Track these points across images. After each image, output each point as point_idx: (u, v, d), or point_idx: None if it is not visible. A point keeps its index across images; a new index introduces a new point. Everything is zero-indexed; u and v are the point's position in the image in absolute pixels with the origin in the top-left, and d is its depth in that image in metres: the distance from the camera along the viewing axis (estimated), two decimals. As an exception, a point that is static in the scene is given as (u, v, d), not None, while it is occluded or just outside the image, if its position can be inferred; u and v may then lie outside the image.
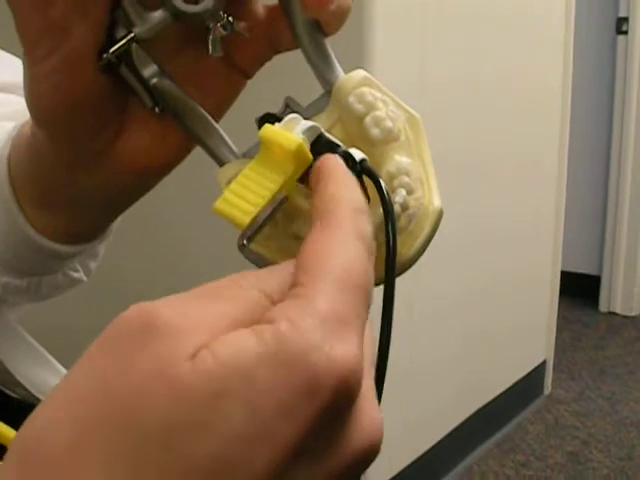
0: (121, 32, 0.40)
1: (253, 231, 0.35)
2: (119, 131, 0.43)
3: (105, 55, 0.40)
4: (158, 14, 0.40)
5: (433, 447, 2.06)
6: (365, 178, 0.37)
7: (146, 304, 0.27)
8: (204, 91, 0.43)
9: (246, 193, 0.36)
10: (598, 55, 3.36)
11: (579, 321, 3.32)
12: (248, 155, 0.40)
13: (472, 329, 2.21)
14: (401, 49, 1.74)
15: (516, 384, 2.47)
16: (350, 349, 0.27)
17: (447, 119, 1.91)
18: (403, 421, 1.98)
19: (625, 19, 3.22)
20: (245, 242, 0.35)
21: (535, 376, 2.61)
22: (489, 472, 2.25)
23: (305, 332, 0.26)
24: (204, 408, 0.25)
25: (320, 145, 0.37)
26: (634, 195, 3.28)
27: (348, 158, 0.36)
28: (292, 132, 0.36)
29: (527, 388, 2.57)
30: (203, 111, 0.42)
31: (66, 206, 0.47)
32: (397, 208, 0.38)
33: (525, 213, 2.39)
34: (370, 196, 0.37)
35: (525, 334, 2.52)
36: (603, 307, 3.42)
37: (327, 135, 0.37)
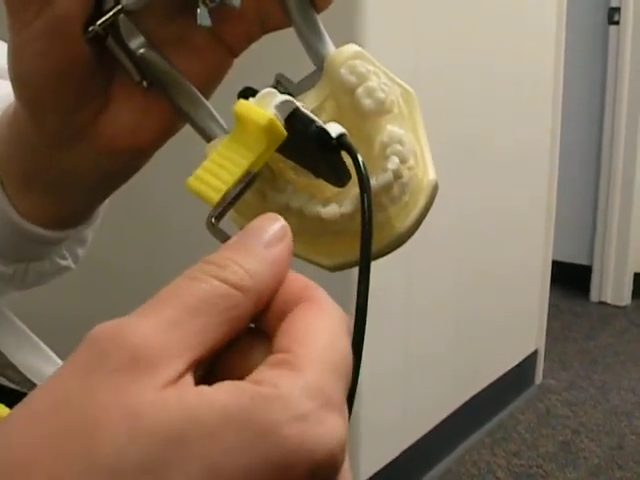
0: (109, 3, 0.39)
1: (222, 208, 0.35)
2: (102, 107, 0.42)
3: (91, 27, 0.39)
4: None
5: (424, 436, 2.06)
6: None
7: (115, 325, 0.26)
8: (190, 66, 0.42)
9: (218, 170, 0.35)
10: (590, 45, 3.36)
11: (570, 311, 3.33)
12: None
13: (464, 319, 2.21)
14: (393, 35, 1.73)
15: (507, 374, 2.47)
16: (337, 429, 0.26)
17: (439, 107, 1.91)
18: (394, 411, 1.98)
19: (617, 9, 3.22)
20: (213, 220, 0.35)
21: (526, 366, 2.61)
22: (481, 461, 2.25)
23: (291, 402, 0.25)
24: (160, 452, 0.24)
25: (295, 120, 0.36)
26: (625, 185, 3.29)
27: (324, 134, 0.35)
28: (266, 107, 0.35)
29: (518, 378, 2.57)
30: (191, 85, 0.41)
31: (50, 189, 0.46)
32: (389, 175, 0.37)
33: (517, 203, 2.39)
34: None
35: (516, 324, 2.53)
36: (594, 297, 3.43)
37: (303, 109, 0.36)
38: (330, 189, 0.40)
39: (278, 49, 0.95)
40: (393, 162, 0.37)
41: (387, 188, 0.37)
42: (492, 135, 2.19)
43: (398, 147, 0.38)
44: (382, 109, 0.39)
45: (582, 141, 3.42)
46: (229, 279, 0.28)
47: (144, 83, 0.41)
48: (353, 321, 0.32)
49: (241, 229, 0.33)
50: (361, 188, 0.34)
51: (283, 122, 0.35)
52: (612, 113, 3.26)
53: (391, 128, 0.39)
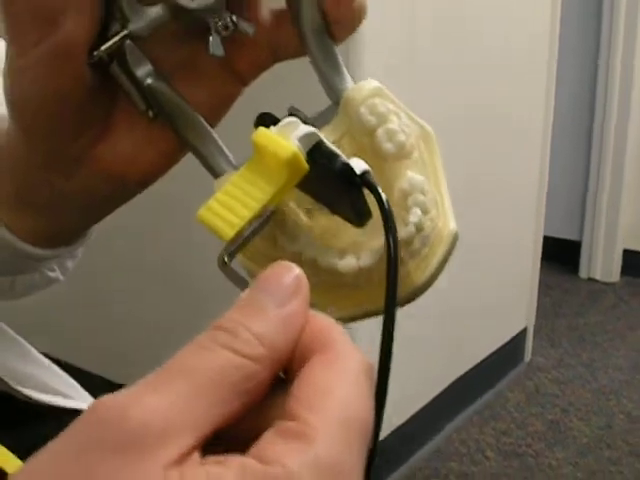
0: (115, 28, 0.37)
1: (236, 246, 0.33)
2: (102, 134, 0.40)
3: (96, 52, 0.37)
4: (156, 10, 0.37)
5: (413, 417, 2.04)
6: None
7: (119, 399, 0.25)
8: (198, 94, 0.40)
9: (233, 203, 0.33)
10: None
11: (559, 287, 3.31)
12: None
13: (452, 297, 2.18)
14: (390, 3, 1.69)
15: (496, 351, 2.45)
16: None
17: (434, 79, 1.87)
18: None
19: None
20: (226, 259, 0.33)
21: (515, 343, 2.59)
22: (469, 440, 2.24)
23: None
24: None
25: (318, 153, 0.33)
26: (616, 161, 3.25)
27: (348, 170, 0.33)
28: (288, 138, 0.33)
29: (507, 355, 2.55)
30: (199, 117, 0.39)
31: (42, 208, 0.44)
32: (411, 229, 0.35)
33: (509, 178, 2.36)
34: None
35: (506, 301, 2.50)
36: (583, 273, 3.41)
37: (326, 143, 0.34)
38: (346, 238, 0.38)
39: (288, 76, 0.90)
40: (415, 214, 0.36)
41: (408, 242, 0.36)
42: (484, 110, 2.15)
43: (420, 197, 0.36)
44: (402, 153, 0.37)
45: (574, 116, 3.38)
46: (242, 350, 0.27)
47: (150, 113, 0.39)
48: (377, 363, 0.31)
49: (249, 273, 0.30)
50: (386, 228, 0.32)
51: (305, 155, 0.33)
52: (604, 87, 3.22)
53: (412, 175, 0.36)
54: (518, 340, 2.61)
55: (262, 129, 0.33)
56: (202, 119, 0.39)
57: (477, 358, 2.36)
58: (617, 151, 3.25)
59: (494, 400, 2.45)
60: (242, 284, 0.33)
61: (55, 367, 0.68)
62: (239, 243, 0.33)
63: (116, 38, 0.37)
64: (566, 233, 3.48)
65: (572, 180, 3.42)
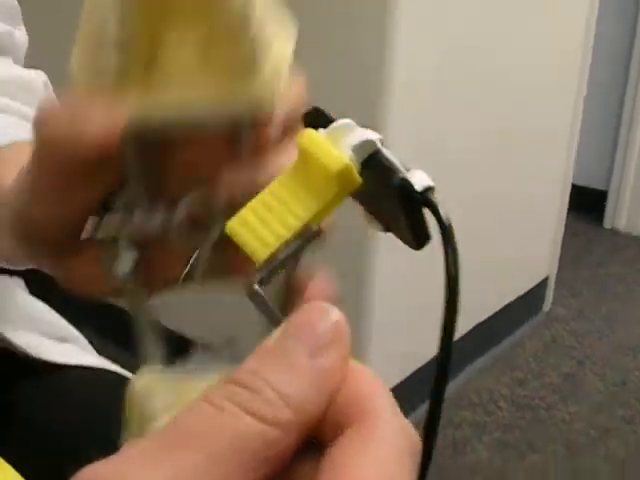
0: (115, 218, 0.34)
1: (269, 271, 0.28)
2: (76, 256, 0.37)
3: (90, 236, 0.34)
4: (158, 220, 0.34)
5: (428, 363, 2.02)
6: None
7: (111, 471, 0.21)
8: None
9: (270, 217, 0.29)
10: None
11: (583, 236, 3.26)
12: (174, 369, 0.31)
13: (476, 243, 2.14)
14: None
15: (518, 299, 2.42)
16: None
17: (466, 29, 1.80)
18: (398, 333, 1.93)
19: None
20: (256, 287, 0.28)
21: (536, 292, 2.56)
22: (483, 390, 2.22)
23: None
24: None
25: (374, 165, 0.29)
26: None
27: (407, 187, 0.29)
28: (339, 145, 0.28)
29: (528, 304, 2.53)
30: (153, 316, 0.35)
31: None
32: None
33: (540, 125, 2.29)
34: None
35: (530, 249, 2.46)
36: (607, 224, 3.36)
37: (385, 152, 0.29)
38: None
39: None
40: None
41: None
42: (518, 56, 2.08)
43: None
44: None
45: (609, 66, 3.28)
46: (263, 413, 0.23)
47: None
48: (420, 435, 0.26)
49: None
50: (445, 251, 0.29)
51: (359, 166, 0.29)
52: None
53: None
54: (539, 289, 2.58)
55: (310, 131, 0.29)
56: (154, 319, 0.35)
57: (497, 306, 2.33)
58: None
59: (511, 349, 2.43)
60: (274, 319, 0.29)
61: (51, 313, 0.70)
62: (272, 268, 0.29)
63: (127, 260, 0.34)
64: (593, 182, 3.41)
65: (603, 130, 3.34)
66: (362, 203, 0.31)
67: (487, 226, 2.18)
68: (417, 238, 0.30)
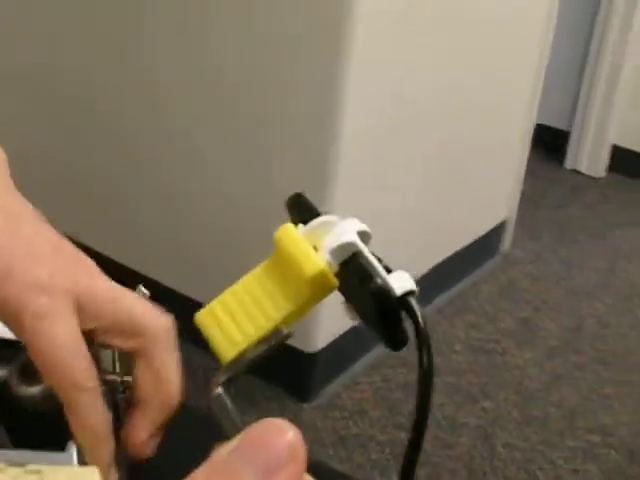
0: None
1: (234, 372, 0.27)
2: None
3: None
4: None
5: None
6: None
7: None
8: None
9: (240, 313, 0.27)
10: None
11: (544, 177, 3.21)
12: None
13: (435, 181, 2.08)
14: None
15: (476, 241, 2.37)
16: None
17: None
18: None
19: None
20: (220, 390, 0.27)
21: (495, 234, 2.51)
22: (439, 331, 2.18)
23: None
24: None
25: (353, 267, 0.28)
26: (615, 54, 3.10)
27: (385, 293, 0.29)
28: (318, 245, 0.28)
29: (485, 246, 2.47)
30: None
31: None
32: None
33: (505, 63, 2.22)
34: None
35: (490, 190, 2.40)
36: (569, 164, 3.31)
37: (365, 255, 0.29)
38: None
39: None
40: None
41: None
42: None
43: None
44: None
45: (577, 6, 3.19)
46: None
47: None
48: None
49: None
50: (420, 356, 0.29)
51: (337, 267, 0.29)
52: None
53: None
54: (497, 231, 2.52)
55: (288, 226, 0.29)
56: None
57: (454, 248, 2.27)
58: (617, 43, 3.09)
59: (467, 291, 2.39)
60: (231, 427, 0.27)
61: None
62: (237, 369, 0.27)
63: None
64: (556, 122, 3.35)
65: (568, 69, 3.27)
66: (342, 294, 0.30)
67: (447, 167, 2.11)
68: (393, 341, 0.30)
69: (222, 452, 0.24)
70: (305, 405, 1.90)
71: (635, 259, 2.70)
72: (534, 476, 1.80)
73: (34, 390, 0.40)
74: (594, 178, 3.25)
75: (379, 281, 0.29)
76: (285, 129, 1.75)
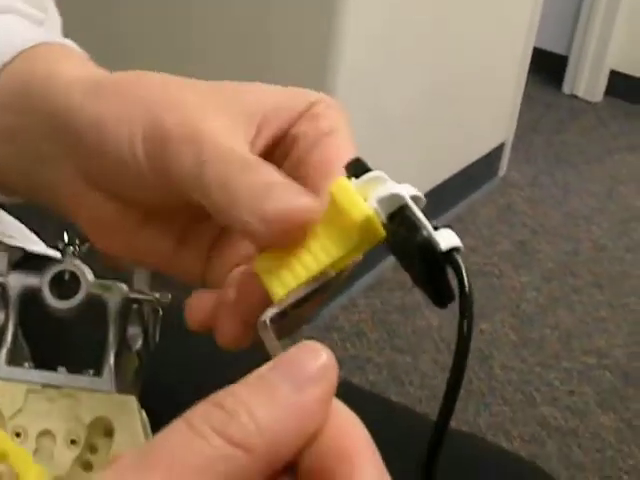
0: None
1: (281, 309, 0.30)
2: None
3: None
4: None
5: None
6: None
7: None
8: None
9: (292, 257, 0.31)
10: None
11: (541, 101, 3.17)
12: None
13: (434, 103, 2.05)
14: None
15: (473, 164, 2.35)
16: None
17: None
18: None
19: None
20: (267, 321, 0.30)
21: (492, 157, 2.49)
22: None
23: None
24: None
25: (399, 220, 0.30)
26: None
27: (429, 246, 0.29)
28: (367, 196, 0.30)
29: (483, 168, 2.45)
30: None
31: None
32: None
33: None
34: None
35: (488, 113, 2.37)
36: (566, 89, 3.27)
37: (412, 208, 0.30)
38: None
39: None
40: None
41: None
42: None
43: None
44: None
45: None
46: (234, 437, 0.24)
47: None
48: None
49: None
50: (461, 314, 0.29)
51: (385, 219, 0.30)
52: None
53: None
54: (495, 154, 2.50)
55: (342, 180, 0.31)
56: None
57: (453, 170, 2.25)
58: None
59: (465, 214, 2.38)
60: (272, 351, 0.30)
61: None
62: (285, 306, 0.30)
63: None
64: (554, 46, 3.30)
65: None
66: (393, 253, 0.31)
67: (446, 87, 2.07)
68: (438, 297, 0.30)
69: (262, 368, 0.26)
70: (303, 327, 1.89)
71: (632, 184, 2.68)
72: (531, 397, 1.81)
73: (71, 302, 0.40)
74: (591, 103, 3.22)
75: (425, 233, 0.29)
76: (283, 71, 1.72)
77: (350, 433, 0.26)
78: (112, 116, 0.35)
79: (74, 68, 0.39)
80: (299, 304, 0.31)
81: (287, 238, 0.31)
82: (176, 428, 0.24)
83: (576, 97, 3.24)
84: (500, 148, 2.51)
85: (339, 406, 0.26)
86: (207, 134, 0.34)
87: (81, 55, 0.42)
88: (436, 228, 0.30)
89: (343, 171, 0.33)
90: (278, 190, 0.32)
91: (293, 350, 0.26)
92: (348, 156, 0.32)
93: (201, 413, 0.24)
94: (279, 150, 0.38)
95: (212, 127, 0.34)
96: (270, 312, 0.30)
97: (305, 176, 0.36)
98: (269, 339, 0.30)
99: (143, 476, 0.23)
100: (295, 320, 0.33)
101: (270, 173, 0.33)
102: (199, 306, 0.36)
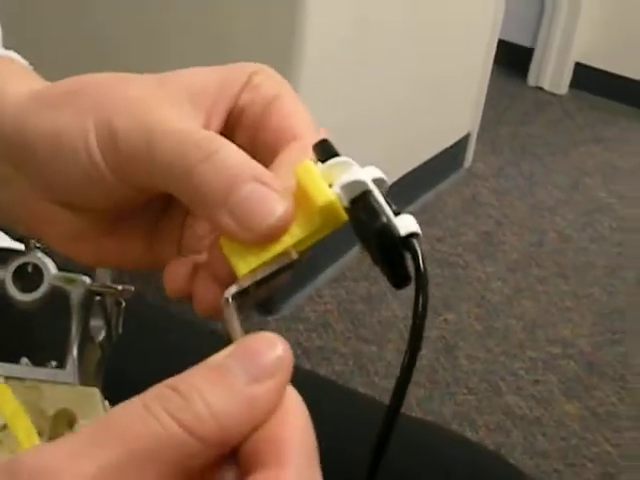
0: None
1: (243, 287, 0.31)
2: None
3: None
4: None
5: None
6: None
7: (38, 458, 0.23)
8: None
9: None
10: None
11: (506, 93, 3.18)
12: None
13: (399, 93, 2.04)
14: None
15: (439, 155, 2.35)
16: None
17: None
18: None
19: None
20: (229, 298, 0.31)
21: (458, 148, 2.49)
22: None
23: None
24: None
25: (361, 205, 0.31)
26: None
27: (388, 232, 0.30)
28: (332, 181, 0.31)
29: (448, 160, 2.46)
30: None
31: None
32: None
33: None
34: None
35: (453, 104, 2.37)
36: (532, 81, 3.28)
37: (375, 194, 0.31)
38: None
39: None
40: None
41: None
42: None
43: None
44: None
45: None
46: (188, 423, 0.24)
47: None
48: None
49: None
50: (416, 299, 0.30)
51: (347, 203, 0.31)
52: None
53: None
54: (460, 145, 2.51)
55: (307, 163, 0.31)
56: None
57: (418, 161, 2.25)
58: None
59: (431, 205, 2.38)
60: (234, 334, 0.30)
61: None
62: (247, 285, 0.31)
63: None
64: (520, 38, 3.31)
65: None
66: (357, 234, 0.32)
67: (411, 78, 2.07)
68: (395, 278, 0.31)
69: (220, 355, 0.26)
70: (269, 318, 1.89)
71: (597, 175, 2.70)
72: (496, 387, 1.82)
73: (34, 294, 0.41)
74: (557, 95, 3.23)
75: (384, 219, 0.30)
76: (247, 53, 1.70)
77: (285, 421, 0.26)
78: (65, 125, 0.35)
79: (21, 84, 0.39)
80: (261, 283, 0.31)
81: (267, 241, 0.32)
82: (132, 407, 0.24)
83: (541, 89, 3.26)
84: (465, 139, 2.52)
85: (287, 392, 0.27)
86: (156, 123, 0.34)
87: (24, 67, 0.43)
88: (397, 213, 0.31)
89: (301, 132, 0.34)
90: (257, 198, 0.32)
91: (251, 339, 0.27)
92: (302, 117, 0.34)
93: (157, 395, 0.25)
94: (229, 124, 0.38)
95: (160, 116, 0.34)
96: (232, 289, 0.31)
97: (264, 143, 0.37)
98: (230, 316, 0.31)
99: (96, 452, 0.23)
100: (256, 299, 0.34)
101: (229, 155, 0.33)
102: (177, 273, 0.37)
